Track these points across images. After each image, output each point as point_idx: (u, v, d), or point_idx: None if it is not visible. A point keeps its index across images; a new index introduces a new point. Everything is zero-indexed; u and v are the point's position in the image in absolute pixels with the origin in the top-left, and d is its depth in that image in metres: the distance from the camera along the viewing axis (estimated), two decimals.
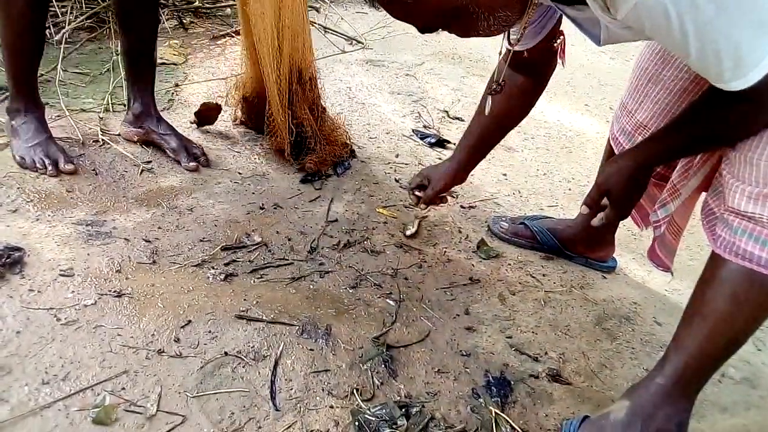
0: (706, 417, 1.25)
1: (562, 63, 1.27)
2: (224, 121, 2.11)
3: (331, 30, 3.06)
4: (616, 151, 1.37)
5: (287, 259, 1.51)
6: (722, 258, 1.00)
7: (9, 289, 1.27)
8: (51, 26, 2.45)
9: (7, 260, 1.31)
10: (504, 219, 1.76)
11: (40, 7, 1.58)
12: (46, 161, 1.64)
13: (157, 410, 1.08)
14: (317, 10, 3.33)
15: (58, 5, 2.54)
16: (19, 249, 1.36)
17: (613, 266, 1.67)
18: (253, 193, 1.75)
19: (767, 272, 0.94)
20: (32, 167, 1.64)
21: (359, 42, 2.95)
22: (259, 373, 1.19)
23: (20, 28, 1.57)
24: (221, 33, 2.77)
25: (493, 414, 1.17)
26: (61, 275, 1.33)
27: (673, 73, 1.22)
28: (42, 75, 2.15)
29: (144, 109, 1.85)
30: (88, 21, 2.57)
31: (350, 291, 1.44)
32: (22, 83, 1.69)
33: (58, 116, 1.92)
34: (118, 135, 1.88)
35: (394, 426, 1.11)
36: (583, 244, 1.64)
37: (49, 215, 1.51)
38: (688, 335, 1.06)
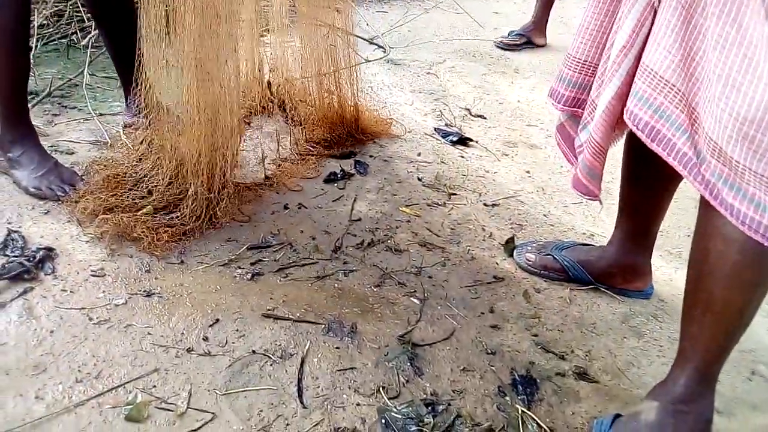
0: (736, 415, 1.23)
1: None
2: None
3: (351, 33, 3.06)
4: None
5: (312, 258, 1.52)
6: (723, 229, 0.92)
7: (43, 290, 1.30)
8: (78, 31, 2.50)
9: (39, 260, 1.35)
10: (529, 248, 1.57)
11: (26, 23, 1.47)
12: (66, 187, 1.56)
13: (187, 407, 1.10)
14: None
15: (84, 10, 2.59)
16: (50, 249, 1.39)
17: (650, 293, 1.53)
18: (277, 193, 1.77)
19: None
20: (51, 197, 1.55)
21: (381, 47, 2.94)
22: (286, 371, 1.20)
23: (8, 47, 1.45)
24: None
25: (520, 412, 1.17)
26: (92, 275, 1.36)
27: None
28: (70, 80, 2.20)
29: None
30: None
31: (375, 289, 1.45)
32: (13, 111, 1.56)
33: (86, 119, 1.96)
34: None
35: (420, 423, 1.11)
36: (620, 276, 1.48)
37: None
38: (700, 328, 1.03)
